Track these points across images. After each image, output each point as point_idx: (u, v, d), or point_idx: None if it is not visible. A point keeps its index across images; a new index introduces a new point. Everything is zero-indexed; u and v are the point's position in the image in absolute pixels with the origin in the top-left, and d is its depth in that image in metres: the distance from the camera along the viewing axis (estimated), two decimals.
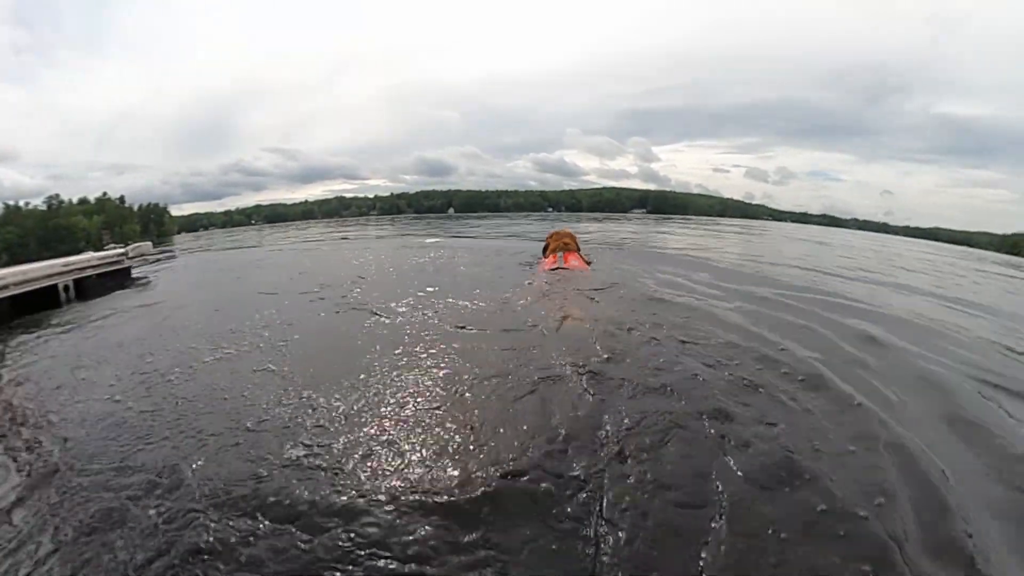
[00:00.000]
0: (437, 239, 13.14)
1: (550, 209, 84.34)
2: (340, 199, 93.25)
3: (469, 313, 3.78)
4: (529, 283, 4.77)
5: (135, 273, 9.01)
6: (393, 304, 4.20)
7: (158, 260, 11.10)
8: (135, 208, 55.42)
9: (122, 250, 8.54)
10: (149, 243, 9.75)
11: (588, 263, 5.70)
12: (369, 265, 7.45)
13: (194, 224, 70.69)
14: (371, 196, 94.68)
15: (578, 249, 5.90)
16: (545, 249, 6.07)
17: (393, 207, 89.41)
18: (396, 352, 3.01)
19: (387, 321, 3.79)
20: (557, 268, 5.20)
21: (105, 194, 49.68)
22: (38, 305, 6.35)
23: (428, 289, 4.73)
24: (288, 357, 3.17)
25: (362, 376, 2.69)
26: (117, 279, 8.40)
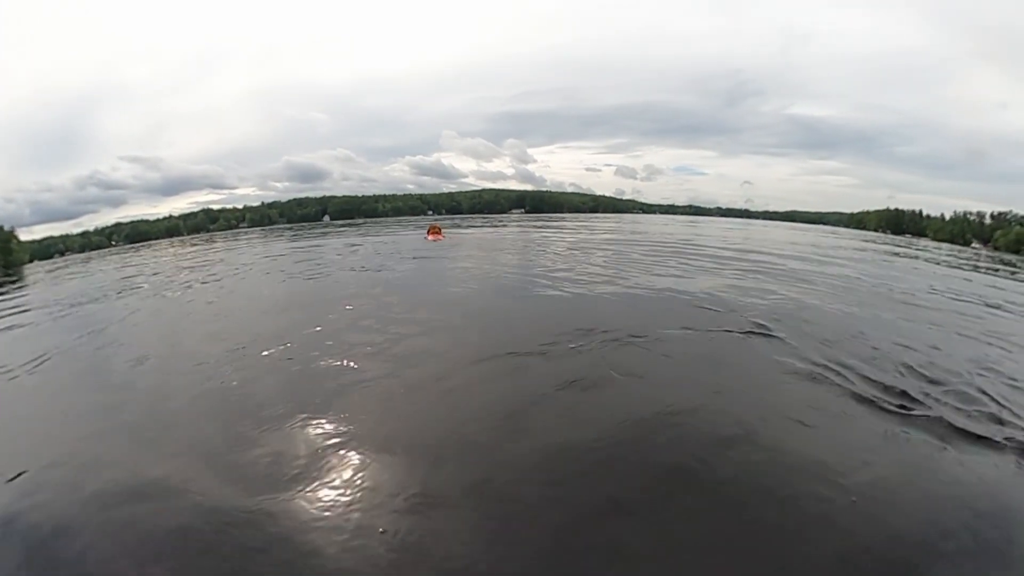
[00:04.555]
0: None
1: (430, 212, 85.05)
2: (207, 212, 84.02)
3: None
4: (427, 241, 19.55)
5: None
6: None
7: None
8: None
9: None
10: None
11: (442, 236, 20.80)
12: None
13: (48, 250, 60.28)
14: (240, 207, 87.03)
15: (439, 232, 21.60)
16: (427, 232, 21.94)
17: (265, 218, 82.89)
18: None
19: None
20: (433, 238, 20.25)
21: None
22: None
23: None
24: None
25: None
26: None
